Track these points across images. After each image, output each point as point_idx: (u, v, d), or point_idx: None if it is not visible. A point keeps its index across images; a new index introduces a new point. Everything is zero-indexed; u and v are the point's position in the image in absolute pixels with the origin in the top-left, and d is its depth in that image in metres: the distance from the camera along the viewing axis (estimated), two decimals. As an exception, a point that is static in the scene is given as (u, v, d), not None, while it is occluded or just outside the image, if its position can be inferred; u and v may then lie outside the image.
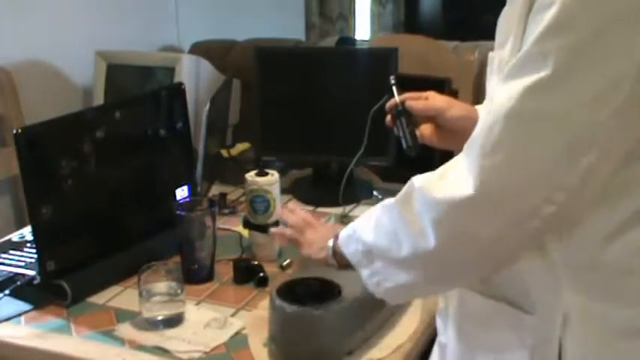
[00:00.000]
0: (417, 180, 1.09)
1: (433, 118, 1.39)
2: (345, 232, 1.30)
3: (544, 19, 0.92)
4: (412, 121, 1.41)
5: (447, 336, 1.27)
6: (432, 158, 2.11)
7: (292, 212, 1.61)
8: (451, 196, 1.01)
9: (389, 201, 1.16)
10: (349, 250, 1.25)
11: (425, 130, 1.40)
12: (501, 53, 1.07)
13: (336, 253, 1.34)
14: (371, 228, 1.19)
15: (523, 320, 1.07)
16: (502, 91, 0.97)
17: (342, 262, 1.32)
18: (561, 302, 1.04)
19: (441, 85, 1.97)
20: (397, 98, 1.42)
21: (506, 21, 1.10)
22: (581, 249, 1.01)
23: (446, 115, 1.38)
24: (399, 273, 1.14)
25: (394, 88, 1.43)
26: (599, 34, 0.90)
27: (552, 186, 0.96)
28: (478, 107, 1.39)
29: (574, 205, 0.97)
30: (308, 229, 1.53)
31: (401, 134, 1.41)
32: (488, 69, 1.15)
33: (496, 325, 1.12)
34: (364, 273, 1.21)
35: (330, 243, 1.37)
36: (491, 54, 1.15)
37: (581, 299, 1.03)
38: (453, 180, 1.02)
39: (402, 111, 1.41)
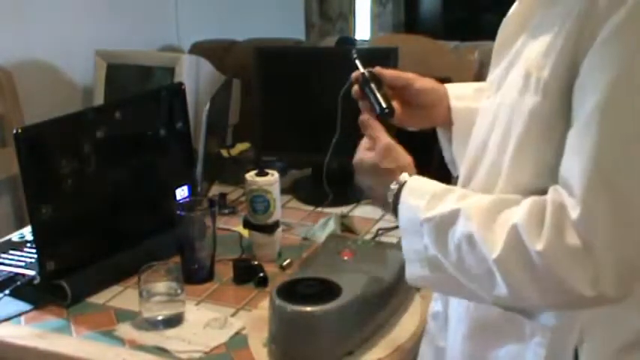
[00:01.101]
0: (537, 244, 0.96)
1: (400, 91, 1.33)
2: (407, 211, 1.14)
3: (616, 61, 0.91)
4: (383, 86, 1.33)
5: (446, 341, 1.25)
6: (431, 159, 2.11)
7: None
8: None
9: (478, 241, 1.02)
10: (408, 242, 1.14)
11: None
12: (526, 51, 1.05)
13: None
14: (452, 258, 1.06)
15: (538, 332, 1.06)
16: (591, 137, 0.93)
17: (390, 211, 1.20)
18: (579, 314, 1.03)
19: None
20: (362, 69, 1.34)
21: (517, 20, 1.09)
22: None
23: (415, 85, 1.32)
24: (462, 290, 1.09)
25: (357, 62, 1.36)
26: None
27: None
28: (448, 85, 1.36)
29: None
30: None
31: (372, 99, 1.31)
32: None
33: (509, 335, 1.10)
34: (412, 269, 1.15)
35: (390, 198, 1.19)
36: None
37: (599, 310, 1.01)
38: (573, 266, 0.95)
39: (370, 77, 1.33)
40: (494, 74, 1.15)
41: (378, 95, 1.29)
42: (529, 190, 1.02)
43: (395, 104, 1.30)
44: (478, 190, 1.12)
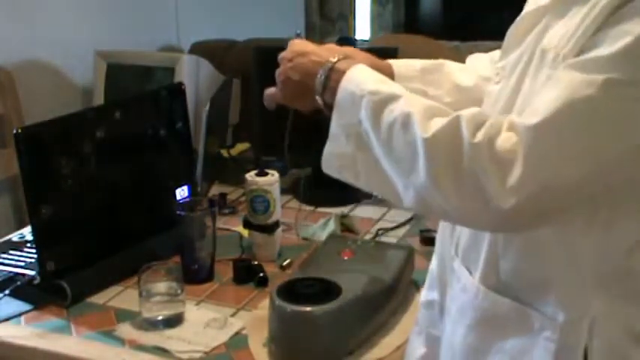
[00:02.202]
0: (471, 133, 0.96)
1: None
2: (348, 84, 1.11)
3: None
4: None
5: (444, 330, 1.23)
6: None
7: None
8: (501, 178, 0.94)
9: (413, 121, 1.01)
10: (339, 116, 1.11)
11: None
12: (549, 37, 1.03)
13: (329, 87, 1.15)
14: (382, 135, 1.04)
15: (548, 327, 1.05)
16: (577, 77, 0.93)
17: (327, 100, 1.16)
18: (590, 308, 1.02)
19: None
20: None
21: (536, 13, 1.08)
22: (613, 254, 1.00)
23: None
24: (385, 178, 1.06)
25: None
26: None
27: (597, 183, 0.96)
28: (392, 61, 1.34)
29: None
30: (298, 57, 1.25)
31: None
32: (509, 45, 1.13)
33: (517, 328, 1.08)
34: (334, 145, 1.11)
35: (322, 76, 1.17)
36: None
37: (610, 304, 1.01)
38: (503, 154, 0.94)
39: None
40: (507, 60, 1.13)
41: None
42: None
43: None
44: None
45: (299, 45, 1.25)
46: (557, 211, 0.98)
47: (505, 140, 0.95)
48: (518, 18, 1.13)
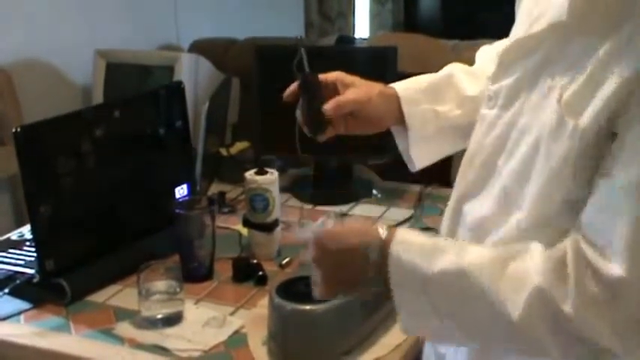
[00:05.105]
0: (564, 304, 0.94)
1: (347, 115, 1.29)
2: (399, 267, 1.05)
3: None
4: (320, 96, 1.26)
5: (447, 349, 1.24)
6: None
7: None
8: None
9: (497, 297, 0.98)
10: (408, 300, 1.06)
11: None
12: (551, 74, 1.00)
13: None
14: (461, 319, 1.04)
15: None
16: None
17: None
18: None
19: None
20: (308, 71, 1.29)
21: (532, 39, 1.04)
22: None
23: (368, 108, 1.27)
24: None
25: (305, 62, 1.30)
26: None
27: None
28: (397, 85, 1.31)
29: None
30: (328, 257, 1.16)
31: (306, 111, 1.29)
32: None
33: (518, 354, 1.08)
34: (414, 321, 1.08)
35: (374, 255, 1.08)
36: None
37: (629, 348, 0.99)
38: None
39: (314, 84, 1.26)
40: (499, 85, 1.11)
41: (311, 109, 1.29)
42: (553, 225, 1.00)
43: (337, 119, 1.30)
44: (487, 214, 1.09)
45: (329, 244, 1.16)
46: None
47: (596, 286, 0.93)
48: (508, 43, 1.10)
